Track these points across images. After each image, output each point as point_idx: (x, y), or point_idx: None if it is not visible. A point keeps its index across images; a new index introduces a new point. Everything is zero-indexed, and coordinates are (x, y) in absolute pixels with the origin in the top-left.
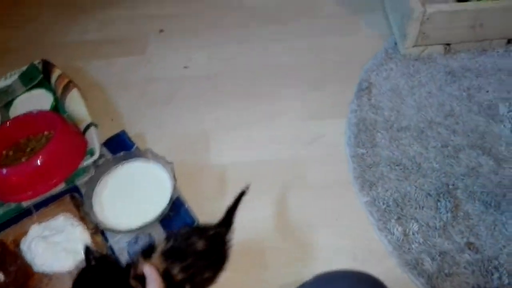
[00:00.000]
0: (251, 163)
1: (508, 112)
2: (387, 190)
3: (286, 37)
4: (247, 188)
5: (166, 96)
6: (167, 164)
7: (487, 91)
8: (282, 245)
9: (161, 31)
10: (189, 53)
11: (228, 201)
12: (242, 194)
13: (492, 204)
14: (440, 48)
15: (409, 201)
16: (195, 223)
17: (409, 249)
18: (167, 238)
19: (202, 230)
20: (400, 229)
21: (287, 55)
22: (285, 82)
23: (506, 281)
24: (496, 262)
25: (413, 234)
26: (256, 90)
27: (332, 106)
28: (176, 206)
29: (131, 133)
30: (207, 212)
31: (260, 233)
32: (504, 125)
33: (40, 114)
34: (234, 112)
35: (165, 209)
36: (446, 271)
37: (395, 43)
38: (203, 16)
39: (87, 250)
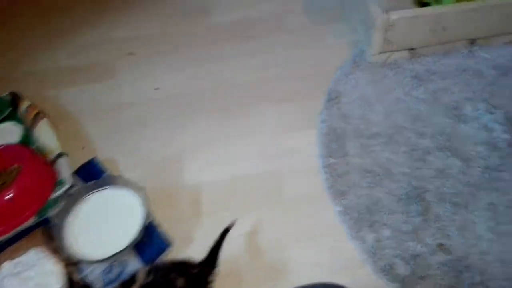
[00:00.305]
0: (225, 181)
1: (473, 111)
2: (359, 198)
3: (254, 52)
4: (232, 225)
5: (139, 119)
6: (138, 189)
7: (453, 93)
8: (259, 262)
9: (130, 54)
10: (159, 74)
11: (204, 221)
12: (226, 232)
13: (462, 204)
14: (405, 53)
15: (381, 207)
16: (170, 247)
17: (382, 255)
18: (149, 272)
19: (185, 267)
20: (373, 236)
21: (256, 70)
22: (256, 97)
23: (478, 279)
24: (468, 261)
25: (385, 240)
26: (227, 107)
27: (303, 118)
28: (149, 231)
29: (104, 160)
30: (183, 234)
31: (236, 251)
32: (470, 125)
33: (9, 148)
34: (206, 130)
35: (137, 235)
36: (419, 274)
37: (362, 51)
38: (172, 36)
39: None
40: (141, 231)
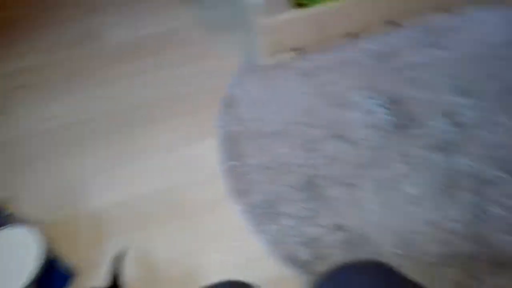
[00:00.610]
0: (127, 202)
1: (358, 98)
2: (260, 195)
3: (148, 70)
4: (125, 251)
5: (34, 152)
6: (34, 225)
7: (339, 84)
8: (169, 275)
9: (21, 87)
10: (53, 103)
11: (110, 246)
12: (121, 257)
13: (352, 184)
14: (292, 53)
15: (281, 199)
16: (73, 278)
17: (286, 244)
18: None
19: None
20: (275, 227)
21: (151, 88)
22: (153, 114)
23: (372, 249)
24: (362, 235)
25: (287, 229)
26: (124, 128)
27: (202, 128)
28: (50, 265)
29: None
30: (89, 262)
31: (147, 269)
32: (356, 111)
33: None
34: (104, 154)
35: (37, 272)
36: (320, 255)
37: (253, 57)
38: (62, 64)
39: None
40: (40, 266)
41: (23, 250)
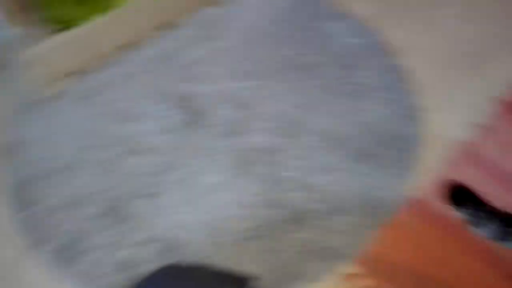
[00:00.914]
0: None
1: (146, 107)
2: (62, 237)
3: None
4: None
5: None
6: None
7: (124, 98)
8: None
9: None
10: None
11: None
12: None
13: (154, 193)
14: (70, 79)
15: (85, 234)
16: None
17: (100, 276)
18: None
19: None
20: (85, 265)
21: None
22: None
23: (191, 249)
24: (176, 239)
25: (98, 261)
26: None
27: None
28: None
29: None
30: None
31: None
32: (146, 121)
33: None
34: None
35: None
36: (138, 274)
37: (30, 92)
38: None
39: None
40: None
41: None
